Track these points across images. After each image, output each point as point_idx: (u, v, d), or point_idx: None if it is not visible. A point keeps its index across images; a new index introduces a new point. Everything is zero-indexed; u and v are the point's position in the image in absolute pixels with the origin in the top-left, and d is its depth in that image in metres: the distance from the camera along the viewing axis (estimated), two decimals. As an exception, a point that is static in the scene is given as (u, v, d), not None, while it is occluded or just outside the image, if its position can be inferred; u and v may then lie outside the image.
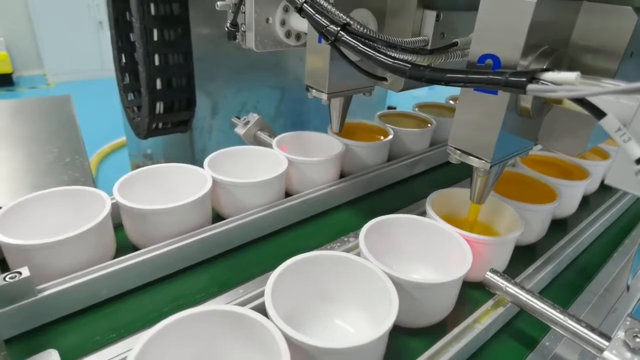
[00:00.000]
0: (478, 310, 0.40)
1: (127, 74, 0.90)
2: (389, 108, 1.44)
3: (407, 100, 1.00)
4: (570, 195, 0.58)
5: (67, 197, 0.47)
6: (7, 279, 0.35)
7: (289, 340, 0.30)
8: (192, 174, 0.53)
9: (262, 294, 0.39)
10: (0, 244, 0.39)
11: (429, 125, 0.79)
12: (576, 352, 0.39)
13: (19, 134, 1.00)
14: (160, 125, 0.83)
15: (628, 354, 0.30)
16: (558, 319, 0.35)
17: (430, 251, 0.46)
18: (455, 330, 0.37)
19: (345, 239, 0.53)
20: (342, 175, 0.65)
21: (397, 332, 0.40)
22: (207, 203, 0.51)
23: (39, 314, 0.38)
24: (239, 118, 0.72)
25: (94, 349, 0.36)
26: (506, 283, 0.39)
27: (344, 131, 0.69)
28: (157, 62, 0.75)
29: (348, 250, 0.49)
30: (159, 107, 0.79)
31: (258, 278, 0.46)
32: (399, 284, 0.36)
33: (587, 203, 0.67)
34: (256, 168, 0.59)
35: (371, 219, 0.44)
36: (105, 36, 3.66)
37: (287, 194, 0.59)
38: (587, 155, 0.67)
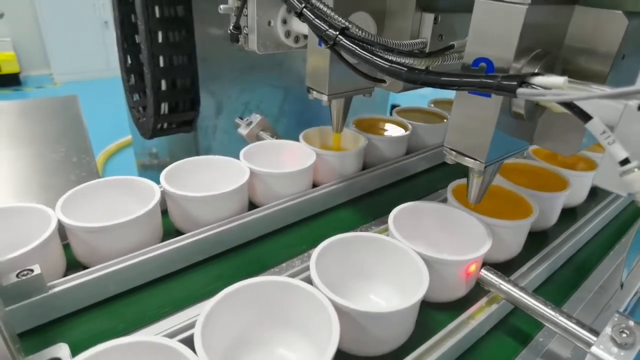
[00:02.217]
0: (473, 307, 0.41)
1: (132, 75, 0.92)
2: (393, 107, 1.45)
3: (412, 99, 1.01)
4: (578, 185, 0.61)
5: (120, 186, 0.52)
6: (19, 276, 0.36)
7: (335, 306, 0.34)
8: (231, 165, 0.58)
9: (301, 271, 0.45)
10: (65, 226, 0.44)
11: (445, 120, 0.82)
12: (569, 348, 0.40)
13: (28, 134, 1.01)
14: (165, 125, 0.84)
15: (615, 349, 0.31)
16: (549, 316, 0.36)
17: (451, 234, 0.49)
18: (450, 326, 0.38)
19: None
20: (364, 168, 0.69)
21: (424, 305, 0.42)
22: (245, 192, 0.55)
23: (53, 309, 0.40)
24: (242, 119, 0.73)
25: (154, 319, 0.41)
26: (500, 280, 0.41)
27: (364, 125, 0.76)
28: (161, 64, 0.77)
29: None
30: (164, 107, 0.80)
31: (298, 257, 0.51)
32: (427, 261, 0.40)
33: (595, 195, 0.68)
34: (285, 160, 0.64)
35: (391, 208, 0.48)
36: (110, 36, 3.68)
37: (314, 185, 0.63)
38: (595, 148, 0.68)
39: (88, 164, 0.89)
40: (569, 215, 0.62)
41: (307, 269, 0.43)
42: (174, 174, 0.54)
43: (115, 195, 0.52)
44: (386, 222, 0.46)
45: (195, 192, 0.50)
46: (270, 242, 0.55)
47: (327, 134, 0.71)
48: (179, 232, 0.51)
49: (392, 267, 0.43)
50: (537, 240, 0.55)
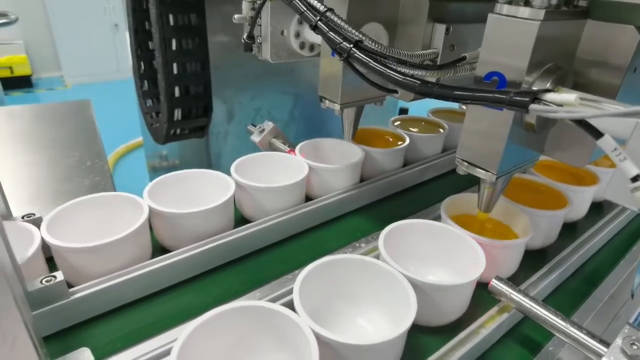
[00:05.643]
0: (484, 316, 0.41)
1: (145, 81, 0.93)
2: (401, 110, 1.46)
3: (421, 102, 1.02)
4: (607, 181, 0.63)
5: (197, 178, 0.58)
6: (43, 282, 0.37)
7: (409, 280, 0.39)
8: (290, 161, 0.64)
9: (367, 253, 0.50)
10: (152, 212, 0.48)
11: None
12: (579, 358, 0.41)
13: (41, 139, 1.03)
14: (178, 131, 0.85)
15: (625, 361, 0.31)
16: (560, 326, 0.37)
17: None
18: (461, 335, 0.39)
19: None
20: (405, 164, 0.74)
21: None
22: (304, 185, 0.61)
23: (74, 314, 0.41)
24: (254, 126, 0.74)
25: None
26: (510, 290, 0.41)
27: (402, 124, 0.82)
28: (175, 71, 0.78)
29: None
30: (177, 114, 0.82)
31: (356, 242, 0.56)
32: (482, 245, 0.45)
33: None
34: (333, 157, 0.70)
35: (433, 200, 0.55)
36: (120, 38, 3.73)
37: (362, 179, 0.69)
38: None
39: (101, 169, 0.90)
40: (597, 209, 0.67)
41: (368, 252, 0.51)
42: (239, 169, 0.58)
43: (192, 186, 0.57)
44: (433, 213, 0.51)
45: (264, 184, 0.55)
46: (324, 230, 0.60)
47: (368, 133, 0.76)
48: (244, 221, 0.55)
49: (447, 251, 0.48)
50: (569, 230, 0.60)
